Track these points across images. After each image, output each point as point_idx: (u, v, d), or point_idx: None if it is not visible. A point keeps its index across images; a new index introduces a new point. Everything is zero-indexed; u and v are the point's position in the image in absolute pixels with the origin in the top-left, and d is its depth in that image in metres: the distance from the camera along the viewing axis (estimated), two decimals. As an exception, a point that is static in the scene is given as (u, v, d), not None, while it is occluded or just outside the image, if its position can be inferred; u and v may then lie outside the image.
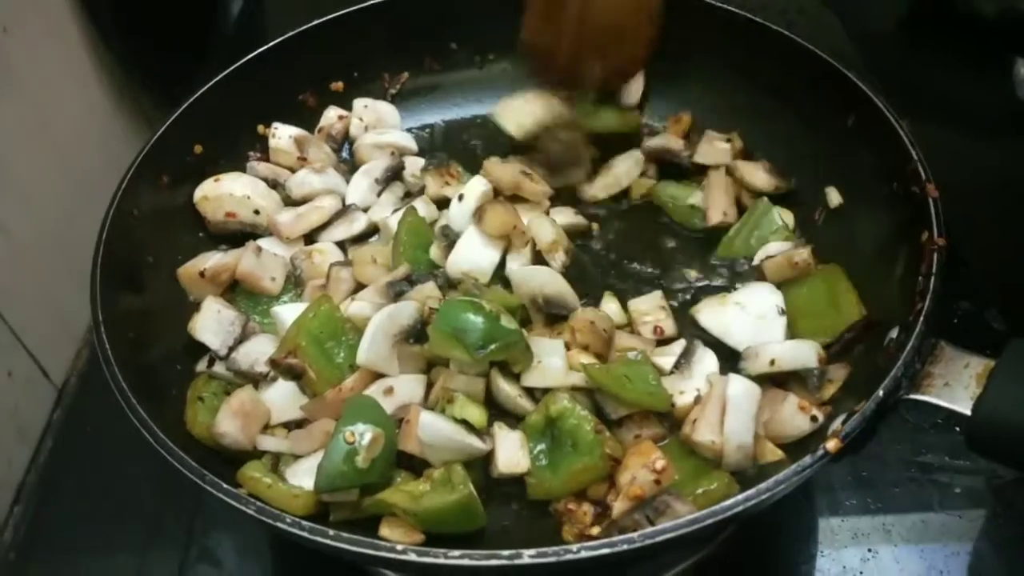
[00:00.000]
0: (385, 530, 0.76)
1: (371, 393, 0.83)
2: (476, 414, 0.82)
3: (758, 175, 1.01)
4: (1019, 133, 1.18)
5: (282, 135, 1.05)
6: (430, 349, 0.83)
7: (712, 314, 0.91)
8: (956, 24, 1.26)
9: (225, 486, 0.68)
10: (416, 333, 0.85)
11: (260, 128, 1.08)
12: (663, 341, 0.90)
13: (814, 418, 0.78)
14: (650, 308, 0.92)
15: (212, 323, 0.89)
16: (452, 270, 0.92)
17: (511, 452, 0.81)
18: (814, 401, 0.80)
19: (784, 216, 0.98)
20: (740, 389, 0.79)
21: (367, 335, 0.84)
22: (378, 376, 0.85)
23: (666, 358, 0.87)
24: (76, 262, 1.05)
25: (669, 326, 0.91)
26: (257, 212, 0.99)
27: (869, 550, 0.87)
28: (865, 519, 0.89)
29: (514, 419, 0.84)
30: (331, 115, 1.10)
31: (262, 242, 0.98)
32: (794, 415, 0.79)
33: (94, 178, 1.10)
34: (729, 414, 0.77)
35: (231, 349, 0.88)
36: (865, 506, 0.90)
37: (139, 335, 0.84)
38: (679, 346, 0.88)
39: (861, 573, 0.86)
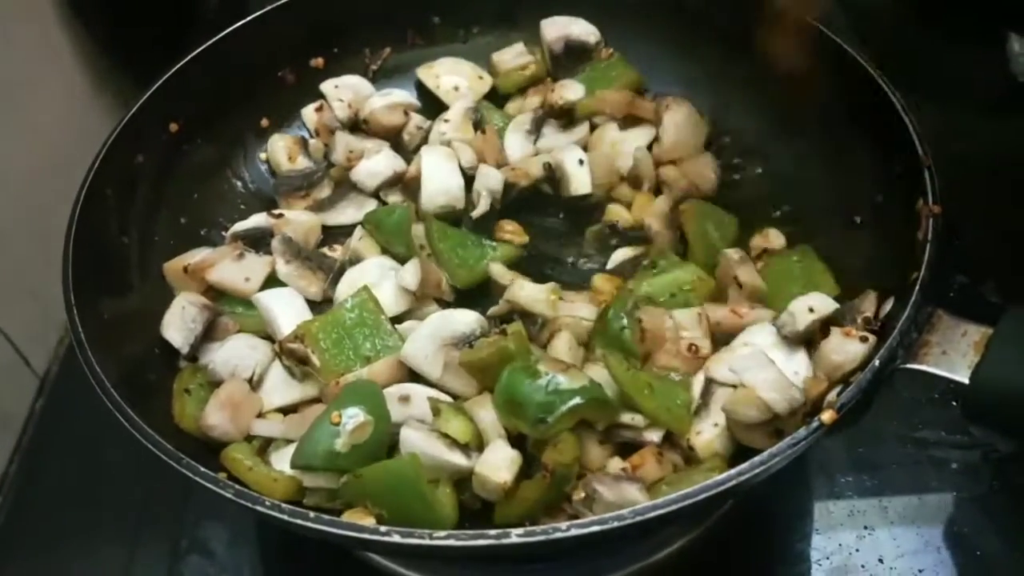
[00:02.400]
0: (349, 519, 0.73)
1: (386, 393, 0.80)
2: (461, 428, 0.77)
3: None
4: (1014, 107, 1.17)
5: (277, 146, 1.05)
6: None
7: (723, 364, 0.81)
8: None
9: (203, 469, 0.66)
10: (469, 343, 0.82)
11: (263, 122, 1.07)
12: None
13: (863, 338, 0.73)
14: (690, 323, 0.83)
15: (176, 319, 0.87)
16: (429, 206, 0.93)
17: (496, 459, 0.74)
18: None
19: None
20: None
21: (418, 331, 0.82)
22: (400, 380, 0.83)
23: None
24: (55, 249, 1.04)
25: (706, 347, 0.82)
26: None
27: (865, 527, 0.86)
28: (861, 499, 0.87)
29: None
30: (309, 111, 1.08)
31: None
32: (843, 343, 0.74)
33: (73, 163, 1.07)
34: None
35: (193, 347, 0.86)
36: (861, 484, 0.88)
37: (117, 321, 0.82)
38: (699, 383, 0.80)
39: (857, 551, 0.84)
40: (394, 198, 1.01)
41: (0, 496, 0.97)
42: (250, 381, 0.85)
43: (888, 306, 0.76)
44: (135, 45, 1.25)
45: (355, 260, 0.94)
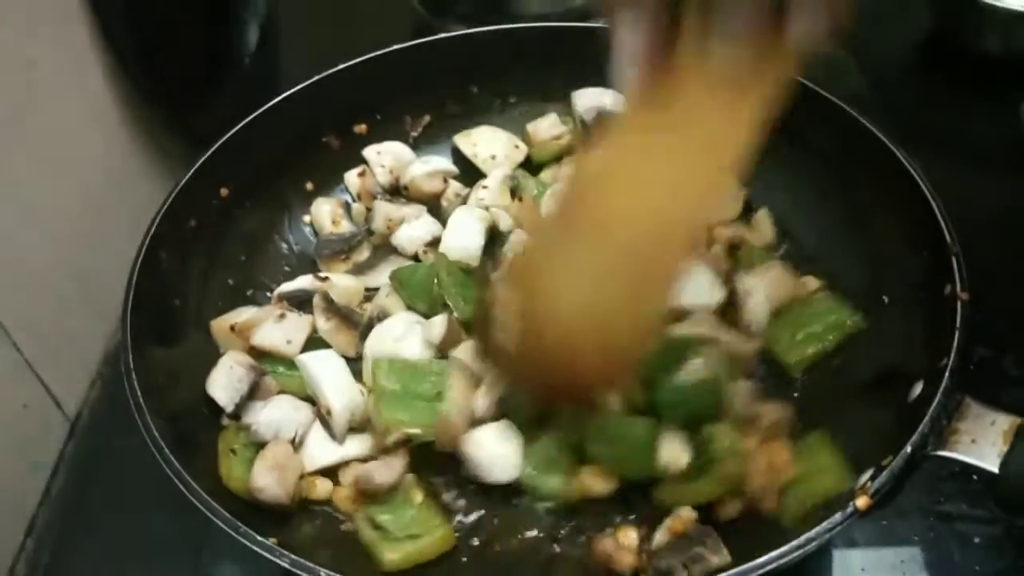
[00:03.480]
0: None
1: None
2: None
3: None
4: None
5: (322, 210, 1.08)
6: None
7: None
8: (966, 61, 1.29)
9: (259, 538, 0.69)
10: None
11: (308, 186, 1.11)
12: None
13: None
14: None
15: (222, 378, 0.90)
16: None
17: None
18: None
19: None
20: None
21: None
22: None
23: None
24: (90, 291, 1.08)
25: None
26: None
27: None
28: (883, 571, 0.88)
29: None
30: (352, 176, 1.12)
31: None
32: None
33: (110, 207, 1.12)
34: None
35: (238, 406, 0.89)
36: (883, 559, 0.89)
37: (168, 382, 0.85)
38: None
39: None
40: (429, 258, 1.05)
41: (31, 538, 0.98)
42: (292, 442, 0.87)
43: (918, 389, 0.78)
44: (174, 95, 1.28)
45: (382, 316, 0.98)
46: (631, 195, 0.63)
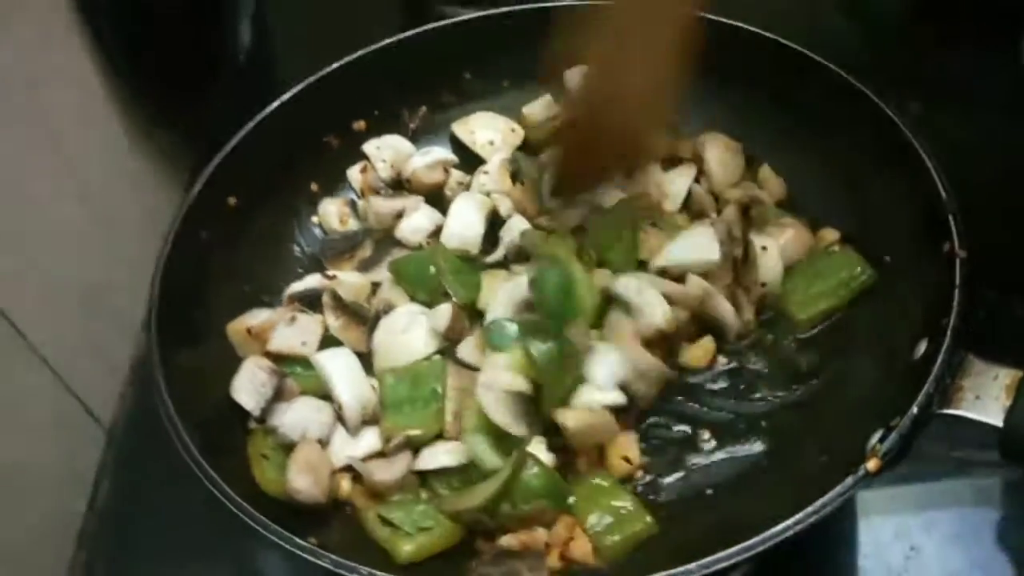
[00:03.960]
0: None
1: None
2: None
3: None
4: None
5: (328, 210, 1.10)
6: None
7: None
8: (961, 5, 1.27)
9: (298, 540, 0.72)
10: None
11: (313, 187, 1.13)
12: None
13: None
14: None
15: (247, 383, 0.92)
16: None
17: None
18: None
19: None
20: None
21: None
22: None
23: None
24: (108, 299, 1.10)
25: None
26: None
27: (912, 548, 0.88)
28: (906, 517, 0.89)
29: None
30: (355, 173, 1.13)
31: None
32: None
33: (118, 214, 1.15)
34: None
35: (264, 410, 0.91)
36: (905, 505, 0.90)
37: (195, 392, 0.87)
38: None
39: (906, 571, 0.86)
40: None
41: (82, 551, 1.01)
42: (319, 442, 0.90)
43: (922, 348, 0.80)
44: (169, 99, 1.29)
45: (387, 309, 0.99)
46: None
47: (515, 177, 1.09)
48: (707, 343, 0.93)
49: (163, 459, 0.81)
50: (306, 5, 1.49)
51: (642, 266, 0.95)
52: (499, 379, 0.83)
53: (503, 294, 0.90)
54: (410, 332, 0.95)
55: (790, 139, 1.05)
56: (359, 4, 1.44)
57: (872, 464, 0.71)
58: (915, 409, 0.73)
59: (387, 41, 1.10)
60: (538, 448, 0.84)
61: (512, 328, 0.87)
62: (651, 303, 0.88)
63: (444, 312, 0.94)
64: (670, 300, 0.89)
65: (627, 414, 0.88)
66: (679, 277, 0.93)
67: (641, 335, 0.87)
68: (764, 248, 0.94)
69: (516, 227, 1.02)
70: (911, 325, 0.83)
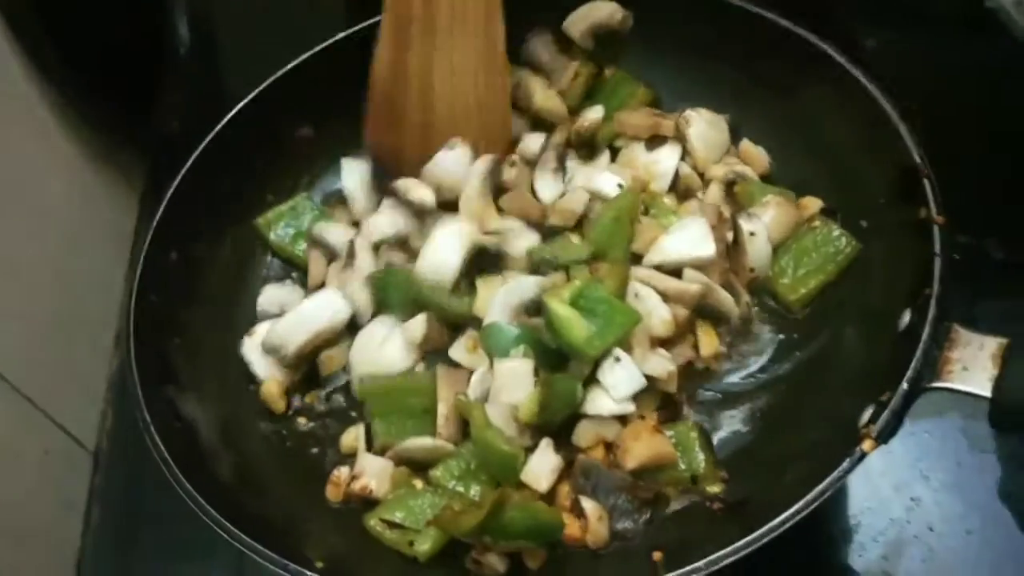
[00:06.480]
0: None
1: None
2: None
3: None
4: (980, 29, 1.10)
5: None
6: None
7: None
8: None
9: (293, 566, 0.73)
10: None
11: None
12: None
13: None
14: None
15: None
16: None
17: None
18: None
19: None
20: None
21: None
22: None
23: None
24: (77, 323, 1.09)
25: None
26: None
27: (912, 499, 0.89)
28: (903, 469, 0.90)
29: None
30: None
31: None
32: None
33: (81, 235, 1.13)
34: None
35: None
36: (902, 459, 0.90)
37: (184, 426, 0.87)
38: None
39: (908, 523, 0.88)
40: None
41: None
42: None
43: (907, 318, 0.80)
44: (113, 106, 1.25)
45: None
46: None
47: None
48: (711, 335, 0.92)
49: (149, 476, 0.81)
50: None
51: (636, 259, 0.93)
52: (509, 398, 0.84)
53: (500, 299, 0.89)
54: (387, 344, 0.93)
55: (765, 108, 1.03)
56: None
57: (867, 445, 0.72)
58: (905, 385, 0.73)
59: (334, 39, 1.07)
60: (545, 449, 0.84)
61: (511, 332, 0.86)
62: (649, 312, 0.87)
63: (419, 324, 0.91)
64: (670, 298, 0.89)
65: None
66: (675, 271, 0.91)
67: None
68: (752, 234, 0.93)
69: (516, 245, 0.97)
70: (895, 296, 0.83)
